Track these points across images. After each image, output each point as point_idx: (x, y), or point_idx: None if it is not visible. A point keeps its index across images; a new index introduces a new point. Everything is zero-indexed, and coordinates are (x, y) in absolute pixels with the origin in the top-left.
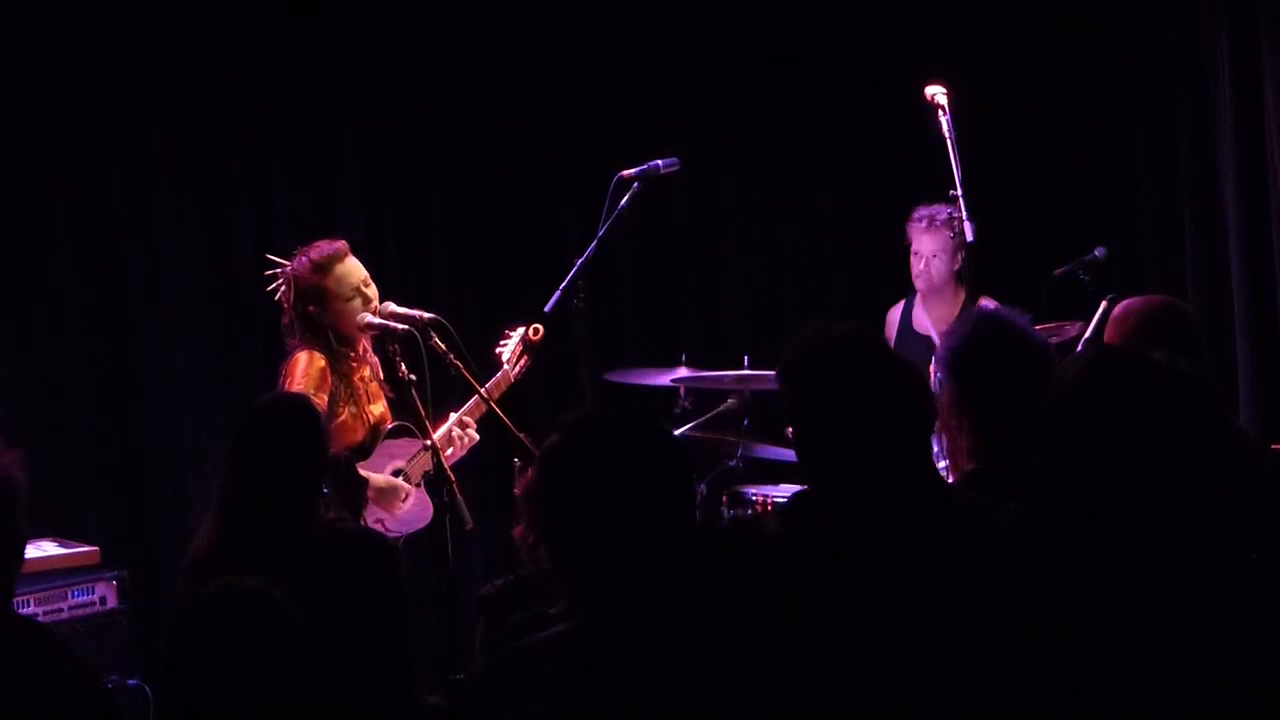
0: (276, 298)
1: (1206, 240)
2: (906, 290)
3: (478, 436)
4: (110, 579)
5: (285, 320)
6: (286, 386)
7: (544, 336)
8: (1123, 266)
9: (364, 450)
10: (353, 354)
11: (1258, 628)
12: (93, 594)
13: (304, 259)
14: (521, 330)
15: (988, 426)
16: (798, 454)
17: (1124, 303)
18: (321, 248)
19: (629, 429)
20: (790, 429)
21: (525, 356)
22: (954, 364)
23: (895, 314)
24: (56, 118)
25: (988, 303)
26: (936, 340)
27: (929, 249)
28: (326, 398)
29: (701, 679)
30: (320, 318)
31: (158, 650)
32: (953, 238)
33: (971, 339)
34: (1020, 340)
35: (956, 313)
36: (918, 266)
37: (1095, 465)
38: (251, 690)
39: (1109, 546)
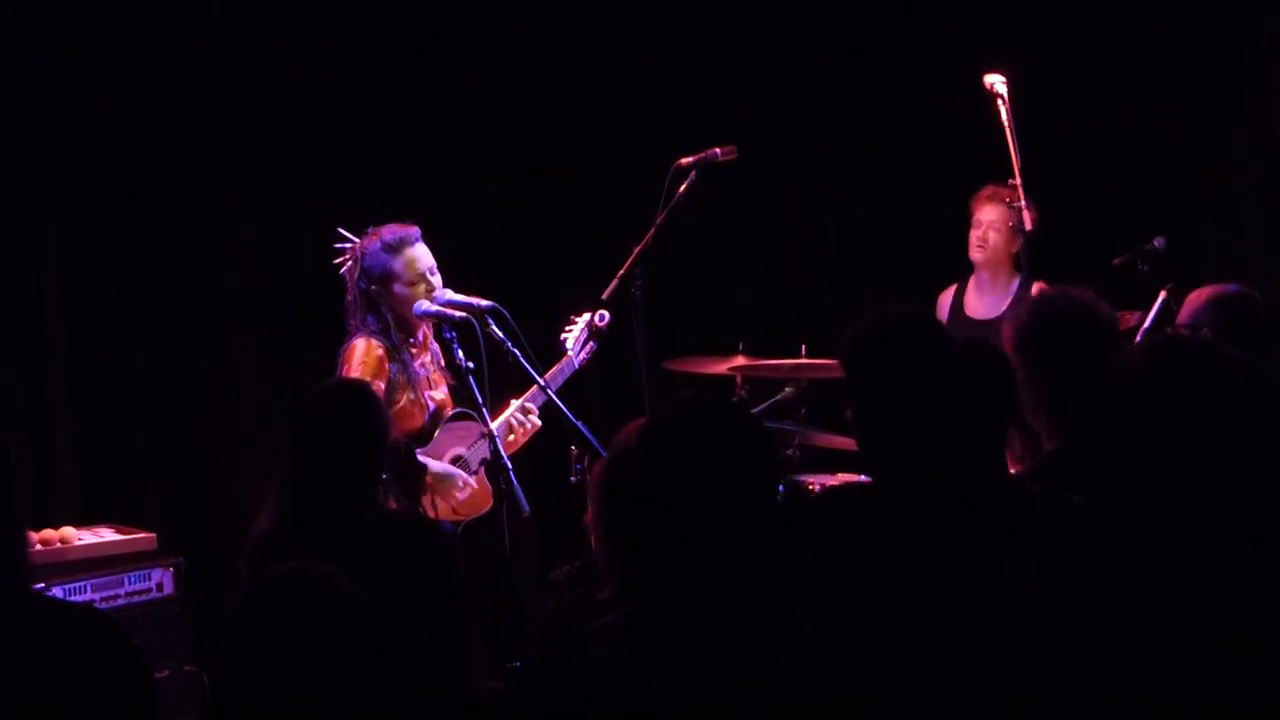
0: (342, 272)
1: (1268, 230)
2: (960, 276)
3: (540, 423)
4: (167, 565)
5: (349, 297)
6: (344, 372)
7: (610, 322)
8: (1182, 256)
9: (423, 436)
10: (412, 340)
11: None
12: (149, 580)
13: (375, 238)
14: (587, 316)
15: (1062, 408)
16: (856, 435)
17: (1197, 290)
18: (395, 229)
19: (714, 420)
20: (849, 411)
21: (591, 343)
22: (1023, 342)
23: (947, 298)
24: (122, 112)
25: (1042, 288)
26: (987, 324)
27: (989, 218)
28: (384, 385)
29: (772, 662)
30: (381, 299)
31: (216, 635)
32: (1015, 215)
33: (1040, 315)
34: (1089, 316)
35: (1010, 297)
36: (975, 235)
37: (1153, 452)
38: (314, 673)
39: (1163, 534)
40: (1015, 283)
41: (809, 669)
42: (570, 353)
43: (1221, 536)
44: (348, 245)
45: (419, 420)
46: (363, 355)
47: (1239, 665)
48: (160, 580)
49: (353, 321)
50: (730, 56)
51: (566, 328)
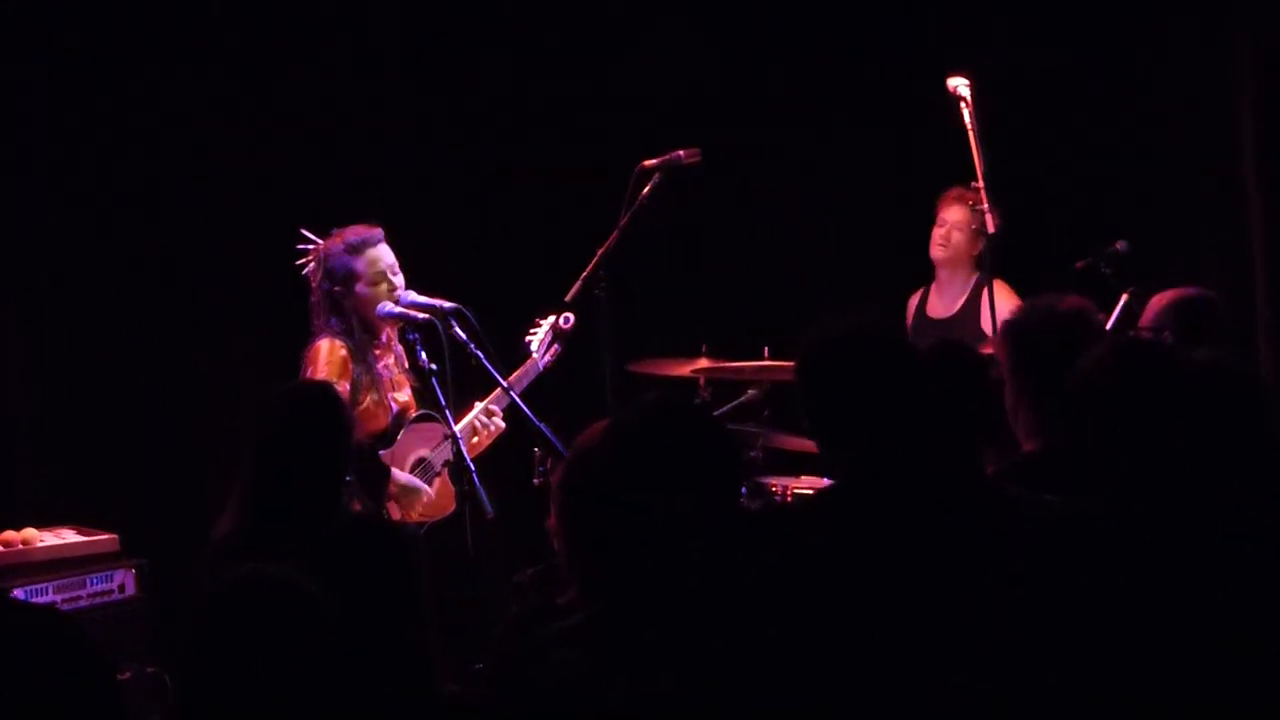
0: (305, 273)
1: (1227, 233)
2: (926, 280)
3: (504, 425)
4: (130, 567)
5: (313, 299)
6: (308, 374)
7: (574, 325)
8: (1144, 260)
9: (387, 438)
10: (376, 341)
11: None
12: (112, 582)
13: (338, 239)
14: (552, 319)
15: (1041, 410)
16: (814, 440)
17: (1159, 294)
18: (358, 230)
19: (678, 422)
20: (806, 421)
21: (556, 345)
22: (1007, 342)
23: (914, 301)
24: (108, 114)
25: (999, 286)
26: (946, 323)
27: (954, 219)
28: (348, 385)
29: (729, 665)
30: (344, 300)
31: (177, 637)
32: (977, 222)
33: (1030, 318)
34: (1076, 322)
35: (966, 296)
36: (939, 233)
37: (1113, 452)
38: (275, 676)
39: (1136, 534)
40: (973, 281)
41: (773, 671)
42: (534, 355)
43: (1191, 535)
44: (310, 246)
45: (382, 422)
46: (327, 356)
47: (1224, 663)
48: (123, 581)
49: (317, 322)
50: (695, 60)
51: (531, 330)
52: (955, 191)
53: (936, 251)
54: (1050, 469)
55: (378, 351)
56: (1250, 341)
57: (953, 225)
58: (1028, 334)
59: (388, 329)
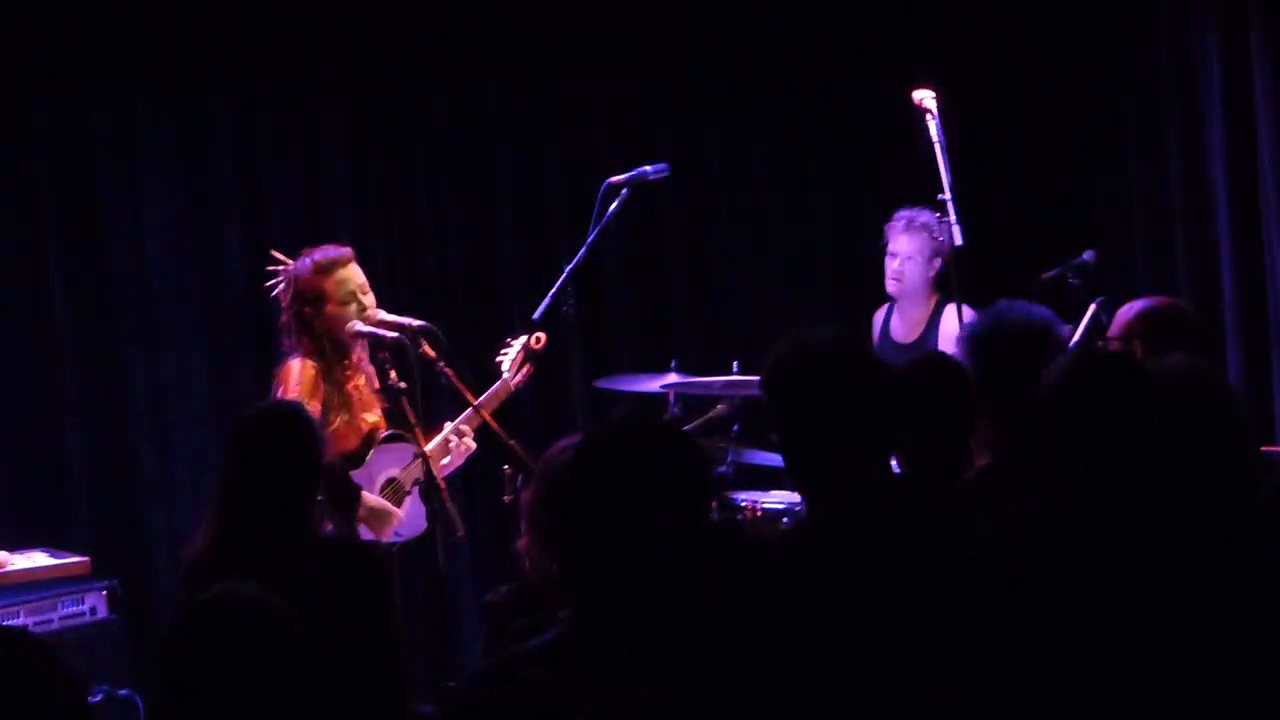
0: (274, 294)
1: (1197, 242)
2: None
3: (475, 445)
4: (100, 589)
5: (283, 320)
6: (279, 394)
7: (546, 345)
8: (1113, 270)
9: (357, 458)
10: (346, 361)
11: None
12: (83, 604)
13: (307, 260)
14: (523, 339)
15: (1002, 418)
16: (784, 461)
17: (1129, 304)
18: (327, 250)
19: (647, 438)
20: (775, 436)
21: (528, 365)
22: (969, 354)
23: (878, 318)
24: (45, 128)
25: (955, 309)
26: (908, 347)
27: (904, 250)
28: (319, 405)
29: (698, 676)
30: (314, 320)
31: (150, 658)
32: (931, 242)
33: (977, 328)
34: (1034, 336)
35: (928, 321)
36: (891, 267)
37: (1076, 462)
38: (246, 695)
39: (1085, 542)
40: (934, 304)
41: (745, 687)
42: (506, 375)
43: (1160, 542)
44: (281, 268)
45: (353, 442)
46: (299, 376)
47: (1193, 662)
48: (94, 604)
49: (287, 342)
50: (662, 76)
51: (502, 350)
52: (903, 218)
53: (892, 286)
54: (1005, 483)
55: (348, 372)
56: (1219, 350)
57: (904, 257)
58: (979, 346)
59: (358, 349)
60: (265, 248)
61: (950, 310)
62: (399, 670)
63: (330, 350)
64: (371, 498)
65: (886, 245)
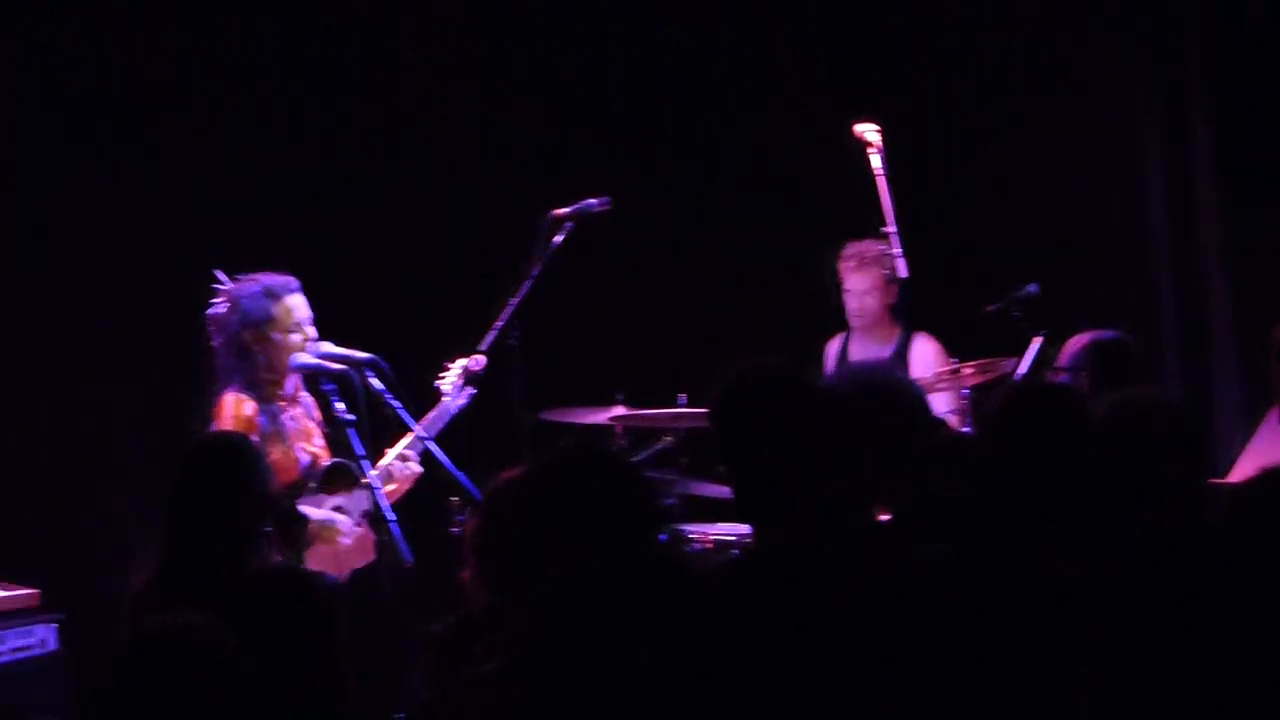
0: (213, 314)
1: (1137, 276)
2: (844, 324)
3: (420, 469)
4: (50, 622)
5: (217, 342)
6: (215, 428)
7: (485, 366)
8: (1055, 303)
9: (298, 489)
10: (281, 392)
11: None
12: (32, 637)
13: (254, 283)
14: (462, 361)
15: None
16: (732, 491)
17: (1075, 336)
18: (274, 276)
19: (594, 470)
20: (722, 468)
21: (468, 387)
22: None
23: (834, 347)
24: None
25: (923, 338)
26: None
27: (860, 287)
28: (257, 439)
29: (642, 705)
30: (255, 345)
31: (98, 690)
32: (883, 274)
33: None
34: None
35: (892, 349)
36: (851, 305)
37: (1011, 492)
38: None
39: (1019, 575)
40: (896, 334)
41: (688, 715)
42: (447, 397)
43: (1086, 573)
44: (222, 289)
45: (293, 474)
46: (233, 410)
47: (1140, 692)
48: (43, 637)
49: (221, 368)
50: (606, 106)
51: (441, 374)
52: (852, 254)
53: (855, 321)
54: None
55: (283, 403)
56: (1162, 382)
57: (860, 294)
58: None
59: (295, 379)
60: (205, 279)
61: (920, 340)
62: (344, 701)
63: (267, 379)
64: (316, 512)
65: (841, 284)
